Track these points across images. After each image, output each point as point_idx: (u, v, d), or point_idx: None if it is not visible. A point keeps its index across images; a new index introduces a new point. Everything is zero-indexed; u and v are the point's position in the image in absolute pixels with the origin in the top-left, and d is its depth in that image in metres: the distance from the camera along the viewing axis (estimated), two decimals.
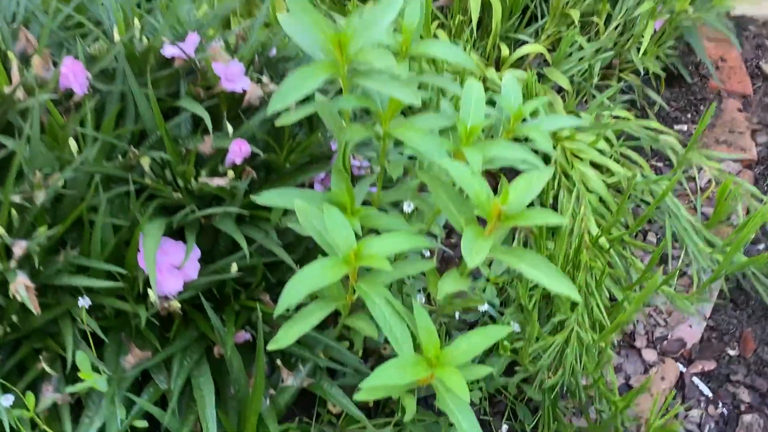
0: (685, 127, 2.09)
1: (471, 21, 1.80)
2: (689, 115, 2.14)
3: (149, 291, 0.94)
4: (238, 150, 1.02)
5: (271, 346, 0.87)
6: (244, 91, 1.13)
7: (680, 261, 1.58)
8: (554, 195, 1.57)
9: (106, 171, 0.98)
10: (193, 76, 1.16)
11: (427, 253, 1.05)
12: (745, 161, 1.96)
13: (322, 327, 1.10)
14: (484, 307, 1.04)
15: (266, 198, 0.95)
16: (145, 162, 1.02)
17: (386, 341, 1.15)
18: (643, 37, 1.85)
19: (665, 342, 1.51)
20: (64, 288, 0.96)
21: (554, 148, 1.68)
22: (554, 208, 1.55)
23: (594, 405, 1.23)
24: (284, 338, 0.88)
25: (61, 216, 0.97)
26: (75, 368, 0.92)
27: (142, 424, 0.96)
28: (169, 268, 0.96)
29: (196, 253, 0.99)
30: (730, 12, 2.26)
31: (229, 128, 1.08)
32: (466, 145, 0.92)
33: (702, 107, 2.17)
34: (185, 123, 1.12)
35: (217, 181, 1.03)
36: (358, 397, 0.85)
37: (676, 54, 2.12)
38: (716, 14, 2.08)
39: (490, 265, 1.14)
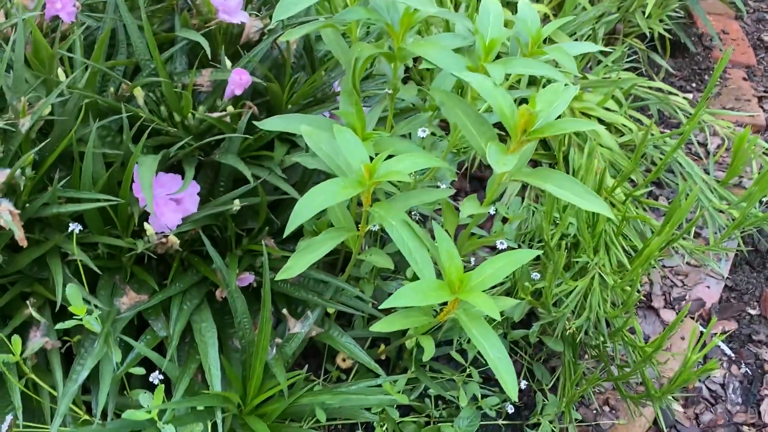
0: (690, 96, 2.05)
1: None
2: (694, 84, 2.09)
3: (146, 225, 0.87)
4: (238, 79, 0.96)
5: (281, 275, 0.80)
6: (242, 26, 1.07)
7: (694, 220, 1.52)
8: (564, 152, 1.51)
9: (96, 99, 0.91)
10: (189, 13, 1.10)
11: (443, 186, 0.99)
12: (754, 127, 1.91)
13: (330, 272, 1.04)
14: (503, 246, 0.97)
15: (271, 123, 0.88)
16: (139, 94, 0.95)
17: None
18: (647, 1, 1.80)
19: (683, 302, 1.45)
20: (53, 223, 0.88)
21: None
22: (566, 165, 1.49)
23: (615, 361, 1.16)
24: (296, 266, 0.81)
25: (50, 149, 0.90)
26: (65, 314, 0.85)
27: (139, 371, 0.88)
28: (167, 201, 0.89)
29: (195, 187, 0.92)
30: None
31: (228, 63, 1.02)
32: (487, 60, 0.86)
33: (707, 77, 2.12)
34: (180, 60, 1.05)
35: (217, 114, 0.96)
36: (375, 327, 0.78)
37: (679, 25, 2.08)
38: None
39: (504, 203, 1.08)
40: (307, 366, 1.07)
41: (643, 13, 1.87)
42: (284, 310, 1.01)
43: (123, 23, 1.03)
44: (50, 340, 0.87)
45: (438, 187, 0.98)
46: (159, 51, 0.99)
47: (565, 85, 0.85)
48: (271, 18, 1.09)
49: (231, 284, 0.89)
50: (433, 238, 0.81)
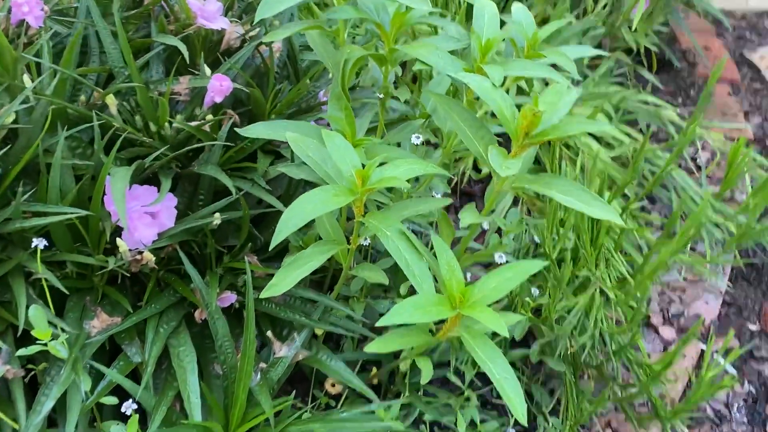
0: (677, 111, 2.03)
1: None
2: (680, 99, 2.08)
3: (118, 241, 0.80)
4: (218, 86, 0.90)
5: (266, 293, 0.74)
6: (223, 33, 1.01)
7: (692, 234, 1.48)
8: (556, 166, 1.47)
9: (65, 107, 0.85)
10: (166, 19, 1.04)
11: (438, 195, 0.93)
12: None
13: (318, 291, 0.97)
14: (502, 259, 0.92)
15: (254, 130, 0.82)
16: (112, 102, 0.89)
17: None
18: (633, 13, 1.78)
19: (682, 319, 1.40)
20: (16, 240, 0.81)
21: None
22: None
23: (617, 381, 1.11)
24: (282, 283, 0.75)
25: (13, 160, 0.83)
26: (29, 339, 0.77)
27: (111, 400, 0.81)
28: (141, 215, 0.82)
29: (172, 200, 0.85)
30: (703, 11, 2.24)
31: (207, 70, 0.96)
32: (483, 61, 0.81)
33: (692, 92, 2.11)
34: (156, 68, 0.99)
35: (195, 123, 0.90)
36: (371, 348, 0.72)
37: (663, 41, 2.07)
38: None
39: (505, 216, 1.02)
40: (294, 392, 1.00)
41: (630, 27, 1.85)
42: (269, 333, 0.94)
43: (95, 29, 0.97)
44: (12, 368, 0.79)
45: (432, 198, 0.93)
46: (134, 58, 0.93)
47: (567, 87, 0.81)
48: (252, 24, 1.04)
49: (211, 304, 0.82)
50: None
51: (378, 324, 0.65)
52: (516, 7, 0.94)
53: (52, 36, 0.95)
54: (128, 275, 0.89)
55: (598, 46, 1.92)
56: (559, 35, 1.79)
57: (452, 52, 0.89)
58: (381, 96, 0.86)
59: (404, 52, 0.82)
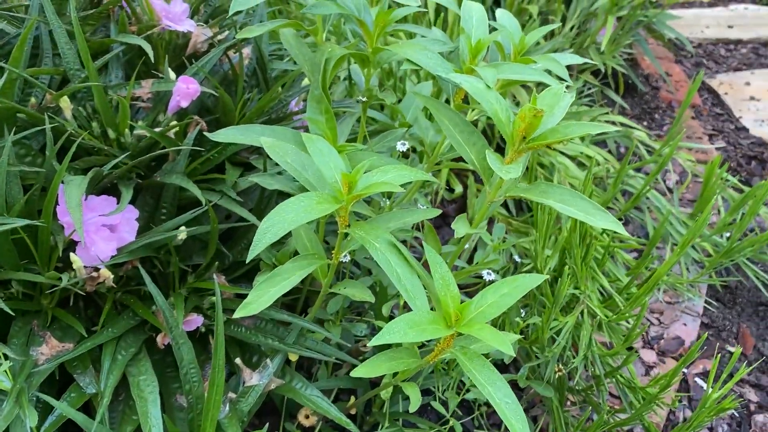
0: (643, 134, 2.03)
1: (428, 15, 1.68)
2: (645, 123, 2.08)
3: (72, 256, 0.72)
4: (185, 89, 0.83)
5: (239, 313, 0.66)
6: (189, 36, 0.95)
7: (666, 254, 1.46)
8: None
9: (14, 107, 0.76)
10: (128, 21, 0.97)
11: (424, 207, 0.87)
12: (708, 163, 1.89)
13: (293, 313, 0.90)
14: (490, 276, 0.86)
15: (225, 135, 0.75)
16: (66, 106, 0.81)
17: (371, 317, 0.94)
18: (601, 35, 1.78)
19: (662, 341, 1.37)
20: None
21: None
22: None
23: (603, 407, 1.05)
24: (257, 301, 0.67)
25: None
26: None
27: None
28: (99, 228, 0.74)
29: (133, 211, 0.77)
30: (666, 36, 2.27)
31: (171, 74, 0.89)
32: (473, 63, 0.76)
33: (657, 116, 2.12)
34: (115, 71, 0.92)
35: (159, 129, 0.82)
36: (358, 372, 0.65)
37: (627, 65, 2.08)
38: (663, 22, 2.07)
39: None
40: (266, 425, 0.92)
41: (598, 49, 1.85)
42: (237, 360, 0.86)
43: (49, 29, 0.89)
44: None
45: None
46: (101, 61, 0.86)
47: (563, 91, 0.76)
48: (221, 27, 0.97)
49: (177, 327, 0.73)
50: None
51: (371, 344, 0.58)
52: (501, 13, 0.90)
53: None
54: (83, 296, 0.80)
55: (567, 67, 1.91)
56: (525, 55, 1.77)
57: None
58: (364, 100, 0.80)
59: (389, 53, 0.76)
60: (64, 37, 0.86)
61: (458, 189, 1.48)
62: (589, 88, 1.91)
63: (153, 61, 0.82)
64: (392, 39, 1.23)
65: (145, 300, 0.83)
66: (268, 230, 0.62)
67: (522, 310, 0.97)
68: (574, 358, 0.96)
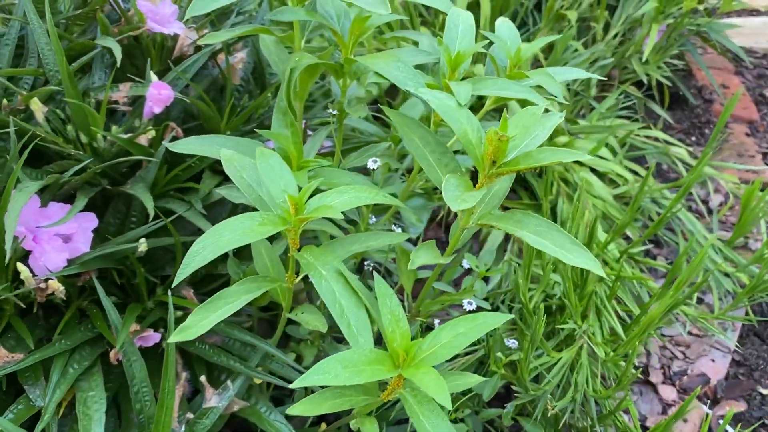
0: (690, 150, 1.91)
1: None
2: (693, 138, 1.95)
3: (19, 266, 0.69)
4: (156, 94, 0.79)
5: (175, 337, 0.62)
6: (177, 39, 0.92)
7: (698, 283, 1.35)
8: (552, 202, 1.35)
9: None
10: (118, 22, 0.94)
11: (398, 230, 0.82)
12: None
13: (262, 334, 0.86)
14: (471, 306, 0.80)
15: (185, 145, 0.72)
16: (37, 108, 0.79)
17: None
18: (645, 43, 1.67)
19: (685, 377, 1.26)
20: None
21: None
22: (553, 216, 1.32)
23: None
24: (197, 326, 0.63)
25: None
26: None
27: None
28: (52, 237, 0.71)
29: (91, 221, 0.74)
30: (719, 46, 2.13)
31: (153, 77, 0.86)
32: (453, 77, 0.70)
33: (707, 131, 1.99)
34: (99, 74, 0.89)
35: (127, 135, 0.79)
36: (293, 410, 0.60)
37: (678, 76, 1.95)
38: (717, 30, 1.93)
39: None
40: None
41: (640, 59, 1.74)
42: (202, 378, 0.82)
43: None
44: None
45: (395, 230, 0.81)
46: (75, 62, 0.84)
47: (546, 110, 0.69)
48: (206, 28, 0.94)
49: (119, 340, 0.70)
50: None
51: (292, 386, 0.53)
52: (500, 22, 0.83)
53: None
54: (47, 304, 0.78)
55: (608, 77, 1.81)
56: (564, 63, 1.68)
57: (421, 67, 0.78)
58: (334, 113, 0.75)
59: (363, 64, 0.71)
60: (44, 38, 0.84)
61: None
62: (631, 100, 1.80)
63: (119, 65, 0.79)
64: (389, 47, 1.17)
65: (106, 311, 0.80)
66: (198, 252, 0.58)
67: (515, 342, 0.90)
68: (574, 398, 0.89)
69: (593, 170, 1.47)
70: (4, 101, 0.80)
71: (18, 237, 0.71)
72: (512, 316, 0.61)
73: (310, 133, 0.94)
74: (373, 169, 0.76)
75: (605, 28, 1.79)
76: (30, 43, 0.89)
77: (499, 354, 0.81)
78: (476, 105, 1.22)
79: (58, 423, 0.74)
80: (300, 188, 0.63)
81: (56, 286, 0.71)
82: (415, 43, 0.83)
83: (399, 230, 0.80)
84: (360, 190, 0.64)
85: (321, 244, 0.76)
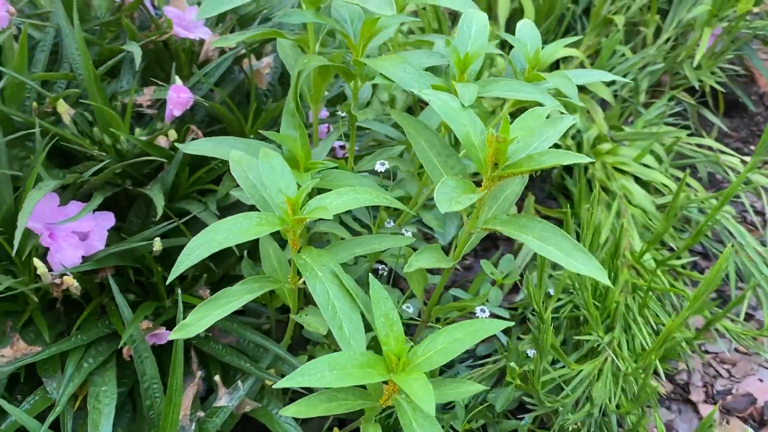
0: (746, 159, 1.81)
1: (499, 24, 1.59)
2: (752, 147, 1.86)
3: (35, 261, 0.72)
4: (176, 97, 0.81)
5: (174, 334, 0.63)
6: (203, 44, 0.93)
7: (746, 300, 1.29)
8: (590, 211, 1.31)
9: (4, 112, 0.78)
10: (148, 28, 0.97)
11: (408, 233, 0.81)
12: None
13: (280, 336, 0.86)
14: (485, 314, 0.78)
15: (196, 146, 0.73)
16: (63, 110, 0.82)
17: None
18: (698, 46, 1.61)
19: (729, 397, 1.20)
20: None
21: (593, 162, 1.43)
22: (577, 222, 1.28)
23: None
24: (196, 324, 0.63)
25: None
26: None
27: None
28: (69, 234, 0.74)
29: (107, 219, 0.76)
30: None
31: (178, 80, 0.88)
32: (462, 79, 0.69)
33: None
34: (127, 77, 0.92)
35: (146, 137, 0.81)
36: (287, 411, 0.60)
37: (735, 81, 1.86)
38: None
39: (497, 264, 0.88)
40: None
41: (692, 64, 1.67)
42: (216, 377, 0.83)
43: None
44: None
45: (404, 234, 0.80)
46: (108, 72, 0.87)
47: (561, 113, 0.67)
48: (231, 32, 0.95)
49: (125, 336, 0.72)
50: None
51: (276, 386, 0.53)
52: (522, 24, 0.81)
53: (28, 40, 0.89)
54: (79, 299, 0.80)
55: (658, 83, 1.75)
56: (610, 68, 1.63)
57: (435, 69, 0.77)
58: (343, 115, 0.74)
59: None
60: (74, 43, 0.87)
61: (511, 211, 1.38)
62: (684, 108, 1.73)
63: (137, 68, 0.81)
64: (409, 48, 1.16)
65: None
66: (194, 250, 0.58)
67: (534, 351, 0.87)
68: (590, 413, 0.85)
69: (637, 179, 1.42)
70: (34, 104, 0.84)
71: (38, 234, 0.74)
72: (510, 323, 0.59)
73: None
74: (381, 173, 0.75)
75: (656, 33, 1.74)
76: (64, 48, 0.92)
77: (512, 364, 0.78)
78: (498, 109, 1.20)
79: (73, 416, 0.76)
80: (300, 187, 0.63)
81: (70, 282, 0.73)
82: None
83: (409, 234, 0.78)
84: (360, 192, 0.64)
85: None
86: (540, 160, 0.59)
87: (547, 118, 0.68)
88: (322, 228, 0.77)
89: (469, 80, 0.69)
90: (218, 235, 0.58)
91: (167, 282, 0.58)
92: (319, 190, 0.70)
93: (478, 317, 0.79)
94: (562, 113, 0.67)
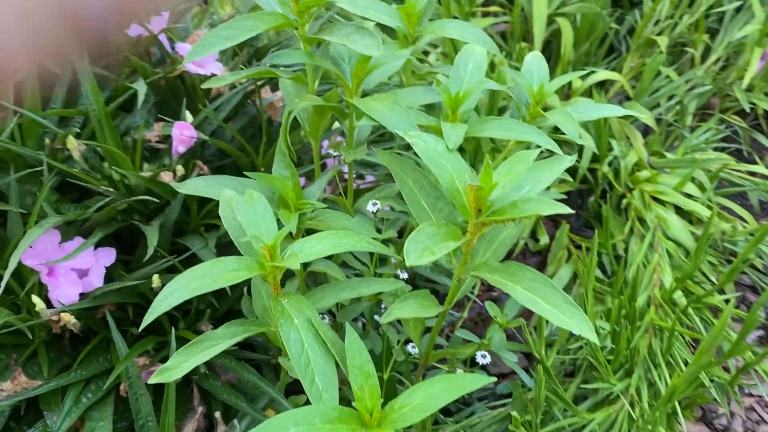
0: None
1: (534, 47, 1.56)
2: None
3: (34, 298, 0.73)
4: (179, 134, 0.82)
5: (154, 379, 0.63)
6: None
7: None
8: (625, 242, 1.25)
9: (6, 150, 0.80)
10: (162, 63, 0.99)
11: (404, 275, 0.78)
12: None
13: (278, 370, 0.85)
14: (486, 360, 0.75)
15: (190, 186, 0.73)
16: (73, 146, 0.83)
17: None
18: (747, 68, 1.53)
19: None
20: None
21: (630, 191, 1.37)
22: (624, 257, 1.23)
23: None
24: (178, 367, 0.63)
25: None
26: None
27: None
28: (68, 272, 0.75)
29: (108, 256, 0.77)
30: None
31: (189, 116, 0.89)
32: (454, 118, 0.66)
33: None
34: (140, 113, 0.94)
35: (148, 174, 0.82)
36: None
37: None
38: None
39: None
40: None
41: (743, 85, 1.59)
42: (217, 414, 0.82)
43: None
44: None
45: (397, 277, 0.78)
46: (123, 107, 0.89)
47: (554, 153, 0.64)
48: (231, 70, 0.96)
49: (115, 373, 0.72)
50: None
51: None
52: (530, 57, 0.79)
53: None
54: (79, 334, 0.81)
55: (707, 106, 1.67)
56: (653, 92, 1.57)
57: (433, 107, 0.75)
58: (335, 154, 0.73)
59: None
60: (86, 78, 0.89)
61: (544, 240, 1.34)
62: (735, 133, 1.64)
63: (139, 105, 0.82)
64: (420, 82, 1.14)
65: (129, 343, 0.82)
66: (167, 296, 0.58)
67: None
68: None
69: (679, 209, 1.35)
70: (47, 140, 0.86)
71: (38, 271, 0.75)
72: (491, 379, 0.56)
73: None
74: (374, 212, 0.73)
75: (705, 53, 1.66)
76: (80, 85, 0.95)
77: (514, 413, 0.75)
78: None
79: None
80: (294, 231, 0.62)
81: (68, 318, 0.74)
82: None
83: (404, 275, 0.76)
84: (342, 237, 0.62)
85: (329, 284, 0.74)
86: (523, 208, 0.56)
87: (546, 158, 0.65)
88: (319, 267, 0.75)
89: (462, 119, 0.67)
90: (193, 282, 0.58)
91: (141, 328, 0.58)
92: (312, 231, 0.69)
93: (478, 363, 0.76)
94: (552, 153, 0.64)
